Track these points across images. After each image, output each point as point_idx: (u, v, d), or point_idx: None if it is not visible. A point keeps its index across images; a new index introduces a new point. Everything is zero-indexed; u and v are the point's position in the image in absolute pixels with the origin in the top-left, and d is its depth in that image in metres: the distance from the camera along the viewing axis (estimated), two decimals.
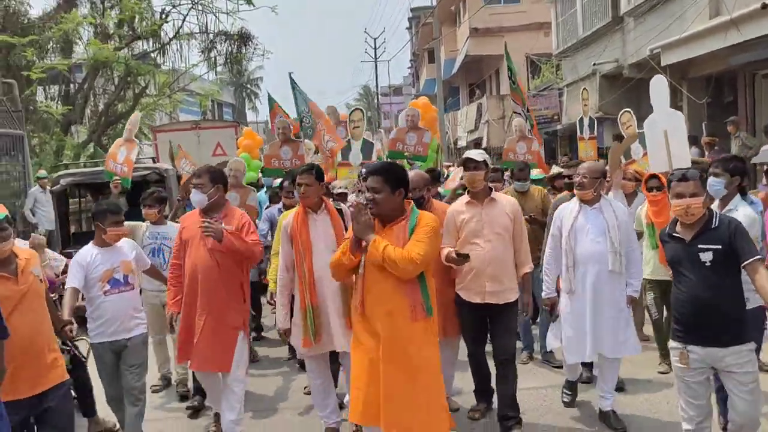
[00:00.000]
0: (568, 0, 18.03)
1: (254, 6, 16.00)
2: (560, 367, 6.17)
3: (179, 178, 10.54)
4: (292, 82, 9.77)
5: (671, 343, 3.99)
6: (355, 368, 3.99)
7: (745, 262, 3.69)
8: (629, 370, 5.59)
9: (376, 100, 57.72)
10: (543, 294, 5.14)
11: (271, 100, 12.33)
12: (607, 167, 7.41)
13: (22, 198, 12.30)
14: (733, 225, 3.78)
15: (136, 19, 16.18)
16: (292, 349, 6.98)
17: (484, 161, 4.93)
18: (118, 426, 5.37)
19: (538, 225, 6.46)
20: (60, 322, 4.25)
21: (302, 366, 6.32)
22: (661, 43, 12.40)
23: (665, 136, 7.17)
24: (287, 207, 6.75)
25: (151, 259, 5.87)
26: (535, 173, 8.26)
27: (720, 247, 3.73)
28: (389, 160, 9.63)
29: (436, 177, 7.89)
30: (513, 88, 11.73)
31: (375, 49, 47.13)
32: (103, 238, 4.86)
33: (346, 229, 4.77)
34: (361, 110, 9.87)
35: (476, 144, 29.51)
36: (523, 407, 5.06)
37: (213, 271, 4.80)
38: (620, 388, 5.55)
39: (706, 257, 3.75)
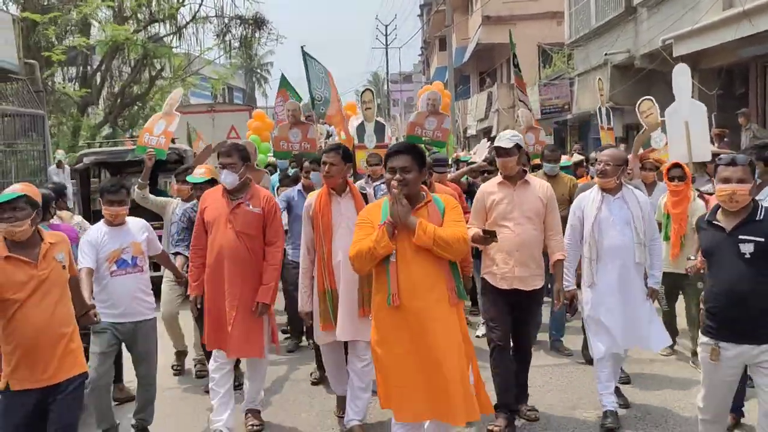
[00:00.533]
0: None
1: None
2: (570, 355, 6.33)
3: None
4: (305, 57, 9.28)
5: (701, 338, 3.80)
6: (392, 365, 3.68)
7: None
8: (631, 352, 5.59)
9: (386, 87, 57.75)
10: (563, 286, 4.85)
11: (283, 80, 12.28)
12: (629, 156, 7.53)
13: (40, 176, 12.56)
14: None
15: (154, 3, 16.41)
16: (295, 331, 7.05)
17: (516, 145, 4.73)
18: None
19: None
20: (84, 307, 4.08)
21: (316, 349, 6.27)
22: (674, 34, 12.50)
23: (686, 127, 7.26)
24: (306, 188, 6.67)
25: (177, 235, 5.84)
26: (564, 159, 7.94)
27: (763, 240, 3.55)
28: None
29: (442, 163, 7.70)
30: (516, 74, 11.63)
31: (386, 36, 47.16)
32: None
33: None
34: (371, 90, 9.56)
35: (486, 132, 29.67)
36: (528, 383, 5.10)
37: (242, 255, 4.70)
38: (626, 381, 5.52)
39: (747, 249, 3.57)
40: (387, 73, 52.21)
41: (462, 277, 4.99)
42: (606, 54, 15.92)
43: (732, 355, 3.62)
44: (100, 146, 14.49)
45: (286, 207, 6.80)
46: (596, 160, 7.53)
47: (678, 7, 12.93)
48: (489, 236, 4.23)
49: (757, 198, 4.03)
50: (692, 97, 13.66)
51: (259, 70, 57.41)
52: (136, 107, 17.91)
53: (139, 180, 6.74)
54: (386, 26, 47.75)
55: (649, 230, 4.74)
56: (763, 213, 3.64)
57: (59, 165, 13.23)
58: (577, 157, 9.35)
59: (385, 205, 3.75)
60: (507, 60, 30.33)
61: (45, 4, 16.42)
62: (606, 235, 4.68)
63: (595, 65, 17.05)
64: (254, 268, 4.73)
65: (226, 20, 17.73)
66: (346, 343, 4.96)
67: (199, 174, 5.93)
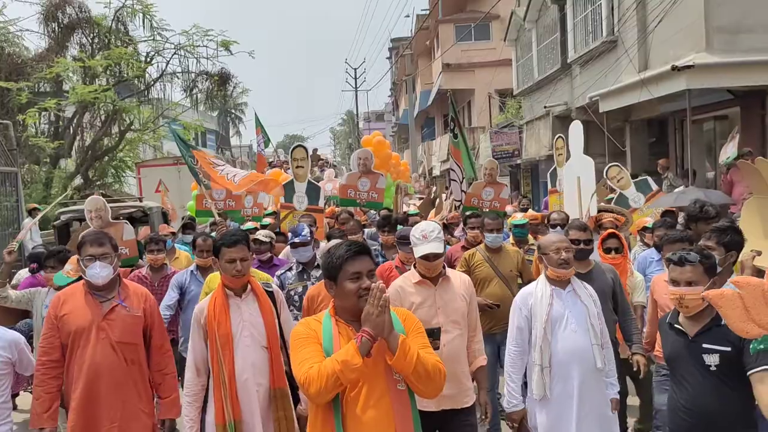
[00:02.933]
0: (526, 45, 19.48)
1: (232, 53, 17.42)
2: None
3: (165, 215, 11.54)
4: (175, 136, 8.80)
5: None
6: None
7: (751, 372, 2.98)
8: None
9: (356, 128, 59.06)
10: (508, 406, 4.07)
11: (257, 120, 12.99)
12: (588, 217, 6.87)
13: (13, 227, 13.37)
14: None
15: (122, 63, 17.53)
16: None
17: (444, 242, 4.14)
18: None
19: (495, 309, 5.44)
20: None
21: None
22: (598, 92, 13.74)
23: (578, 182, 7.90)
24: (202, 269, 5.78)
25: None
26: (519, 217, 7.14)
27: (729, 349, 3.13)
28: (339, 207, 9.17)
29: (393, 224, 6.89)
30: (452, 141, 10.49)
31: (355, 79, 48.58)
32: None
33: (279, 318, 3.93)
34: (304, 147, 8.66)
35: (451, 171, 30.83)
36: None
37: (121, 371, 3.80)
38: None
39: (712, 360, 3.17)
40: (357, 114, 53.55)
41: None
42: (545, 106, 17.17)
43: None
44: (71, 197, 15.40)
45: (178, 293, 5.78)
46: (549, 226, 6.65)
47: (603, 67, 14.22)
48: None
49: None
50: (624, 145, 15.05)
51: (233, 111, 58.39)
52: (106, 159, 18.86)
53: None
54: (355, 69, 49.16)
55: (604, 329, 4.03)
56: None
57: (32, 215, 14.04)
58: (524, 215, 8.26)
59: (327, 320, 2.91)
60: (468, 104, 31.79)
61: (18, 63, 17.44)
62: (559, 337, 3.91)
63: (539, 115, 18.33)
64: (135, 384, 3.88)
65: (192, 76, 18.86)
66: None
67: (67, 272, 4.87)
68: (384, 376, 2.81)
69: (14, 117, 15.13)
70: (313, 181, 8.61)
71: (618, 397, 4.06)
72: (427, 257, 3.97)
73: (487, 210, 8.48)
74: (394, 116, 51.78)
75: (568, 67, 16.36)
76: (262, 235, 6.24)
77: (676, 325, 3.37)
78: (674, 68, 10.37)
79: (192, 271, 5.85)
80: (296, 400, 3.92)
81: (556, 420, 3.88)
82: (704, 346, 3.21)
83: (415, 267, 4.10)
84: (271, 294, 4.00)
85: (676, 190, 10.68)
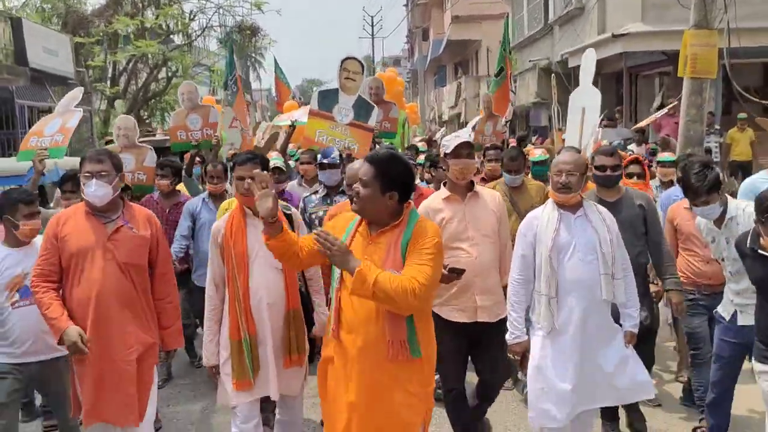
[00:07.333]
0: (519, 3, 22.07)
1: (263, 12, 20.45)
2: (509, 389, 5.55)
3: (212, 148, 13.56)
4: (230, 53, 11.16)
5: (758, 366, 3.51)
6: (327, 408, 3.24)
7: None
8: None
9: (373, 73, 61.02)
10: (511, 338, 3.83)
11: (276, 66, 15.31)
12: None
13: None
14: None
15: (169, 19, 20.67)
16: None
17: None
18: None
19: None
20: None
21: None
22: (568, 50, 16.48)
23: (582, 113, 6.95)
24: (214, 196, 5.66)
25: None
26: (538, 154, 6.57)
27: None
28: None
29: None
30: (509, 56, 11.17)
31: (372, 26, 50.74)
32: (15, 234, 3.95)
33: None
34: (360, 62, 7.68)
35: (457, 117, 33.51)
36: None
37: (130, 294, 3.70)
38: None
39: None
40: (373, 61, 55.78)
41: None
42: (530, 60, 19.87)
43: None
44: None
45: (191, 222, 5.65)
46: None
47: (573, 27, 16.93)
48: (456, 274, 3.65)
49: (729, 215, 3.84)
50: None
51: (254, 55, 60.52)
52: (153, 101, 22.12)
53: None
54: (372, 17, 51.29)
55: (619, 256, 3.72)
56: None
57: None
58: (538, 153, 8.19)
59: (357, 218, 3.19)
60: (476, 54, 34.18)
61: (80, 17, 20.48)
62: (565, 265, 3.66)
63: (527, 67, 21.03)
64: (146, 307, 3.81)
65: (227, 29, 21.85)
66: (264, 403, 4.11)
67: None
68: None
69: (83, 65, 18.26)
70: (366, 98, 7.76)
71: (634, 330, 3.77)
72: (457, 150, 4.00)
73: (489, 145, 7.94)
74: (409, 63, 53.91)
75: (550, 27, 19.00)
76: (281, 163, 6.24)
77: (760, 251, 3.40)
78: (613, 35, 13.15)
79: (204, 198, 5.73)
80: (311, 324, 4.10)
81: (558, 353, 3.65)
82: None
83: (444, 185, 4.16)
84: (289, 216, 3.97)
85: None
